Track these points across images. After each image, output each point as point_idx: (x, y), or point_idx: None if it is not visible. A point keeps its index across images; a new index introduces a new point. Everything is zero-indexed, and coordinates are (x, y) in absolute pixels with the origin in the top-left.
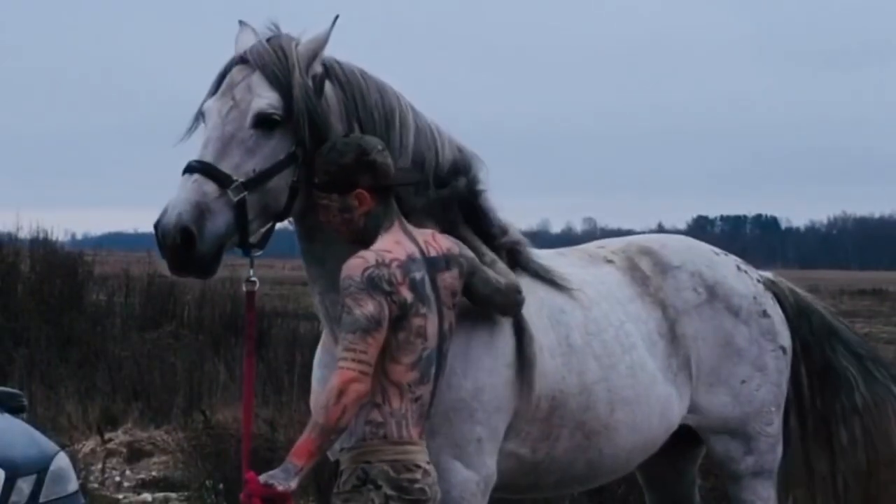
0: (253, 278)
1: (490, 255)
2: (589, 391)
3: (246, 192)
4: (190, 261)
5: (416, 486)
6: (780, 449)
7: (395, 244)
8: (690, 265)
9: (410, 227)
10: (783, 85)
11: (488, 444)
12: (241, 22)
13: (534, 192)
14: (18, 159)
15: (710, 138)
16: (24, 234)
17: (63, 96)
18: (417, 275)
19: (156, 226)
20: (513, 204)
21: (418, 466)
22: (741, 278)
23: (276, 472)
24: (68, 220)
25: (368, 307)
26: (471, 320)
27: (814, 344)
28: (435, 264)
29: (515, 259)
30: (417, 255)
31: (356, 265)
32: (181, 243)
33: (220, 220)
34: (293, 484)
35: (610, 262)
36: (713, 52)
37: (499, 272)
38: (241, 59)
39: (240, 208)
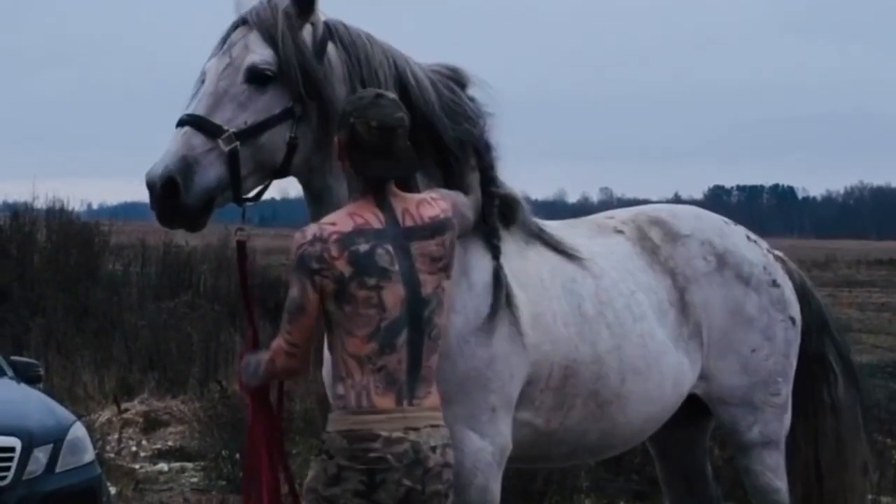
0: (244, 229)
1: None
2: (602, 361)
3: (238, 144)
4: (176, 212)
5: (372, 455)
6: (787, 420)
7: (346, 216)
8: (700, 234)
9: (392, 197)
10: (801, 52)
11: (502, 413)
12: None
13: (549, 160)
14: (35, 129)
15: (727, 107)
16: (41, 203)
17: (80, 65)
18: (363, 247)
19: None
20: (528, 171)
21: (377, 436)
22: (751, 247)
23: (251, 359)
24: (85, 190)
25: (294, 290)
26: (484, 288)
27: (812, 329)
28: (409, 234)
29: (510, 215)
30: (377, 226)
31: (296, 240)
32: (165, 194)
33: (210, 172)
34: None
35: (619, 232)
36: (730, 20)
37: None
38: (242, 21)
39: (232, 161)
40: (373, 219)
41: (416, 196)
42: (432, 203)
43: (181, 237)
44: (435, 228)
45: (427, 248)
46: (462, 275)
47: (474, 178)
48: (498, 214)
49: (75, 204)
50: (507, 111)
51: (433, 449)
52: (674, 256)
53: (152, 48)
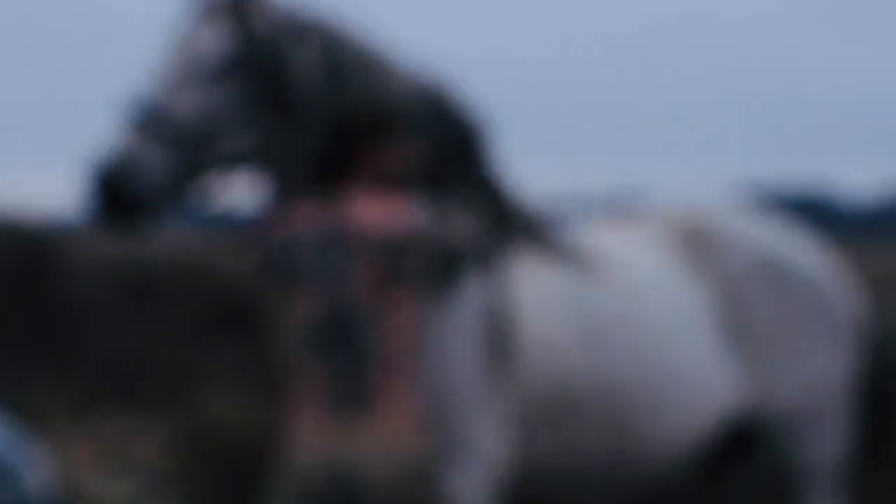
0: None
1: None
2: (620, 378)
3: (188, 139)
4: (117, 211)
5: (296, 477)
6: (842, 455)
7: (294, 217)
8: (746, 232)
9: (352, 204)
10: (829, 44)
11: (477, 443)
12: None
13: (564, 151)
14: None
15: (753, 103)
16: None
17: (19, 34)
18: (282, 254)
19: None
20: (542, 164)
21: (302, 457)
22: (803, 252)
23: None
24: (47, 197)
25: None
26: (447, 310)
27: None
28: (352, 246)
29: (536, 237)
30: (315, 231)
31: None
32: (105, 192)
33: (156, 169)
34: None
35: (653, 232)
36: (755, 10)
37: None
38: (201, 9)
39: (181, 156)
40: (314, 223)
41: (381, 209)
42: (395, 216)
43: (155, 247)
44: (387, 243)
45: (367, 263)
46: (444, 301)
47: (468, 195)
48: (508, 236)
49: (36, 212)
50: (521, 100)
51: (371, 473)
52: (718, 257)
53: (124, 43)
